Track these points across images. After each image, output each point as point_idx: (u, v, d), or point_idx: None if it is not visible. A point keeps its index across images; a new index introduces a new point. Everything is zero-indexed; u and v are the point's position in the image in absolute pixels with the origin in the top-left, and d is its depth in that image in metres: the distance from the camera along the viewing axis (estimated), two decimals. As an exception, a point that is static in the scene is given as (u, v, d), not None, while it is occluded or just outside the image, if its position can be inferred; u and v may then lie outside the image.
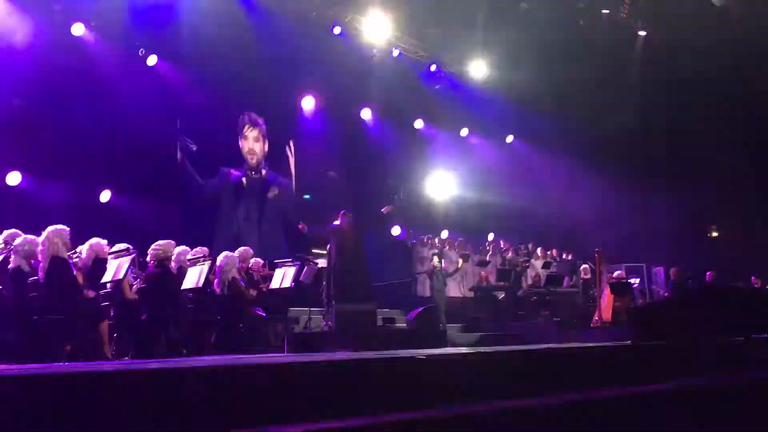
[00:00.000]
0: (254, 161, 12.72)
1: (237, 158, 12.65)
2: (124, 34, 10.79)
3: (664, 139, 16.92)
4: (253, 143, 12.74)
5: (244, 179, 12.50)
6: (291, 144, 9.13)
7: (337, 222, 8.97)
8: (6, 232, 6.51)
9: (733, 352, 4.73)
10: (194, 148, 11.36)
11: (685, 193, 16.24)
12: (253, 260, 8.65)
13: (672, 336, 4.74)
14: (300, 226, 9.54)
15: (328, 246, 9.06)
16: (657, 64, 16.80)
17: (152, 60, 11.11)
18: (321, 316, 9.17)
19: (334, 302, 8.43)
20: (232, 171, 12.36)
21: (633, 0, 16.44)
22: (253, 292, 7.78)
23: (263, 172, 12.81)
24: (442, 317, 10.79)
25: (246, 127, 12.70)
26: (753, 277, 13.38)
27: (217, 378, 2.66)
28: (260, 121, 12.82)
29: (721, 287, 9.89)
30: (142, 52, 10.93)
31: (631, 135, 16.96)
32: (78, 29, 10.34)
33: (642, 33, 17.43)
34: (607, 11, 16.69)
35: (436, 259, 11.45)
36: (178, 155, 11.07)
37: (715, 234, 18.40)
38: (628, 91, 17.27)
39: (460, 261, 12.79)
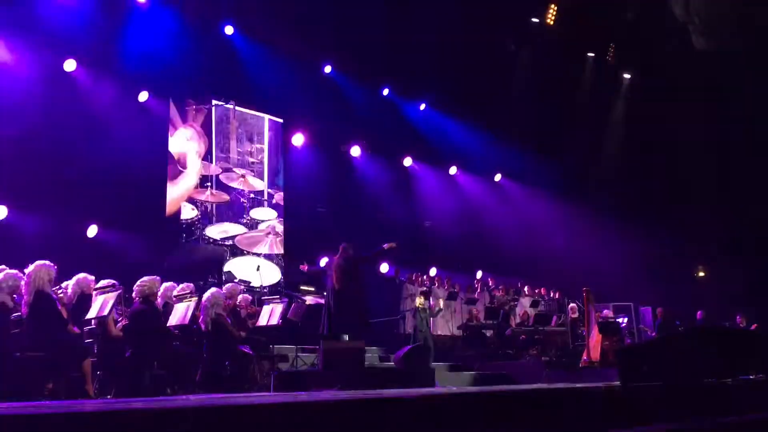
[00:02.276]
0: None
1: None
2: (115, 70, 10.86)
3: (651, 178, 17.16)
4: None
5: None
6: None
7: (336, 256, 8.85)
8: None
9: (722, 393, 4.71)
10: None
11: (672, 233, 16.37)
12: (240, 297, 8.58)
13: (661, 377, 4.72)
14: (302, 267, 9.40)
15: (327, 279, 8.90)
16: (641, 107, 17.13)
17: (143, 96, 11.18)
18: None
19: (321, 340, 8.33)
20: None
21: (618, 44, 16.86)
22: (242, 333, 7.67)
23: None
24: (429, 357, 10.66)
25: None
26: (738, 317, 13.44)
27: (202, 418, 2.62)
28: None
29: (710, 327, 9.90)
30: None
31: (618, 175, 17.19)
32: (70, 65, 10.40)
33: (627, 75, 17.85)
34: (592, 54, 17.09)
35: (419, 299, 11.27)
36: None
37: (701, 274, 18.51)
38: (615, 132, 17.57)
39: (440, 301, 12.67)
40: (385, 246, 9.13)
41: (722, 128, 16.00)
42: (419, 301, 11.19)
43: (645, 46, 16.35)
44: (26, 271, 6.01)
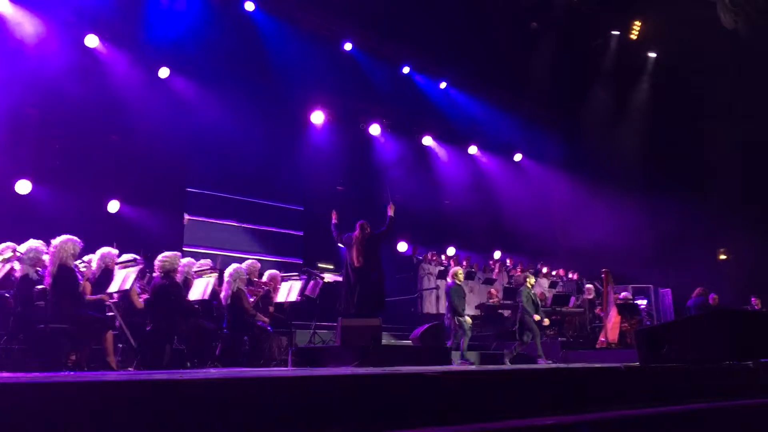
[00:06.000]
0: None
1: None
2: (137, 47, 10.88)
3: (673, 160, 16.91)
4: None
5: None
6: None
7: (354, 233, 8.75)
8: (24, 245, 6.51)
9: (741, 376, 4.67)
10: None
11: (694, 215, 16.16)
12: (267, 274, 8.65)
13: (681, 359, 4.69)
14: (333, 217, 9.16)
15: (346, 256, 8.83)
16: (667, 86, 16.83)
17: (164, 73, 11.19)
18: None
19: (339, 317, 8.37)
20: None
21: (643, 22, 16.52)
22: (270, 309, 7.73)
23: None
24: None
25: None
26: (753, 298, 13.28)
27: (220, 391, 2.64)
28: None
29: (730, 310, 9.81)
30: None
31: (640, 156, 16.95)
32: (92, 41, 10.42)
33: (652, 54, 17.50)
34: (617, 33, 16.78)
35: (460, 272, 11.18)
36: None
37: (723, 257, 18.28)
38: (638, 112, 17.29)
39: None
40: (390, 211, 8.91)
41: (750, 108, 15.67)
42: (530, 281, 10.78)
43: (671, 24, 15.99)
44: (52, 242, 6.09)
